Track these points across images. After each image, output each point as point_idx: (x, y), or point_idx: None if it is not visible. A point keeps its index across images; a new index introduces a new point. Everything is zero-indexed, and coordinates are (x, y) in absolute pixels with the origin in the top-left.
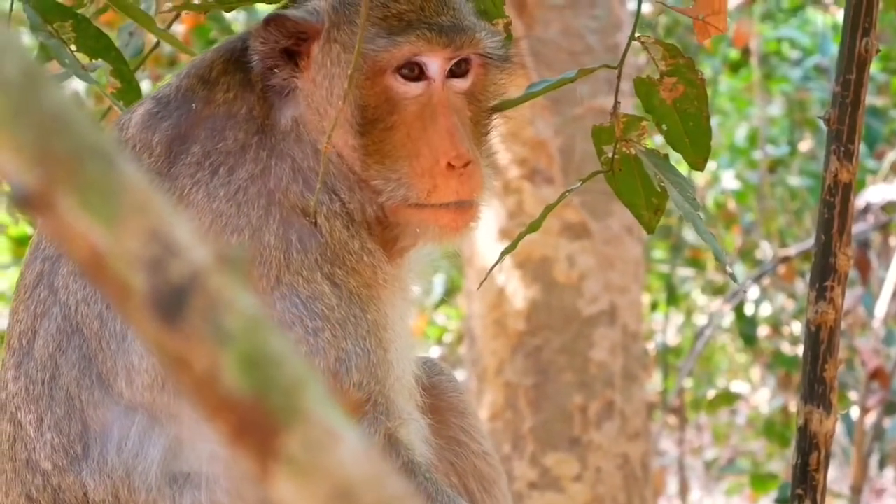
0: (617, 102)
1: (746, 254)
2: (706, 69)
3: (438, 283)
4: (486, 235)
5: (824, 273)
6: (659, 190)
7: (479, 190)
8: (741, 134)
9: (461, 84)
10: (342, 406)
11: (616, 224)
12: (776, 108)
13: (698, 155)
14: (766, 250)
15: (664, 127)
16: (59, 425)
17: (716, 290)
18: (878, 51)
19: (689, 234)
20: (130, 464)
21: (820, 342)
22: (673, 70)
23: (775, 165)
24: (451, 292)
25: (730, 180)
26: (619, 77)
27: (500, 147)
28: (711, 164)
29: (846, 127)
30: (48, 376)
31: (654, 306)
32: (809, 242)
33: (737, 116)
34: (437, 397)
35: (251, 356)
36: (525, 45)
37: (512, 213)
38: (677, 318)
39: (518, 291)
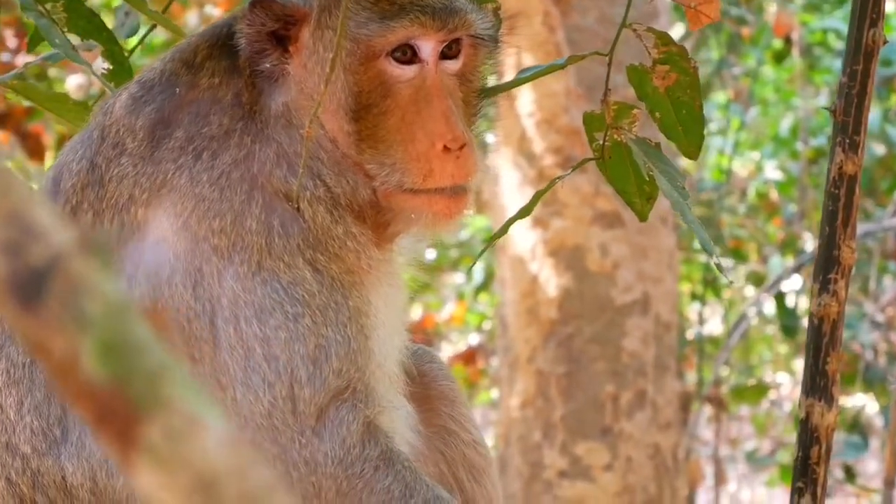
0: (608, 90)
1: (789, 244)
2: (749, 59)
3: (478, 270)
4: (519, 223)
5: (828, 265)
6: (648, 178)
7: (474, 173)
8: (786, 125)
9: (453, 65)
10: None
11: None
12: (823, 99)
13: (691, 143)
14: (808, 241)
15: (657, 115)
16: (38, 409)
17: (757, 281)
18: (885, 42)
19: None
20: None
21: (822, 335)
22: (665, 58)
23: (817, 156)
24: (490, 279)
25: (772, 171)
26: (609, 65)
27: (534, 135)
28: (755, 154)
29: (852, 118)
30: (29, 360)
31: (694, 296)
32: None
33: (782, 107)
34: (427, 386)
35: (112, 342)
36: (561, 34)
37: (546, 200)
38: (720, 308)
39: (551, 280)
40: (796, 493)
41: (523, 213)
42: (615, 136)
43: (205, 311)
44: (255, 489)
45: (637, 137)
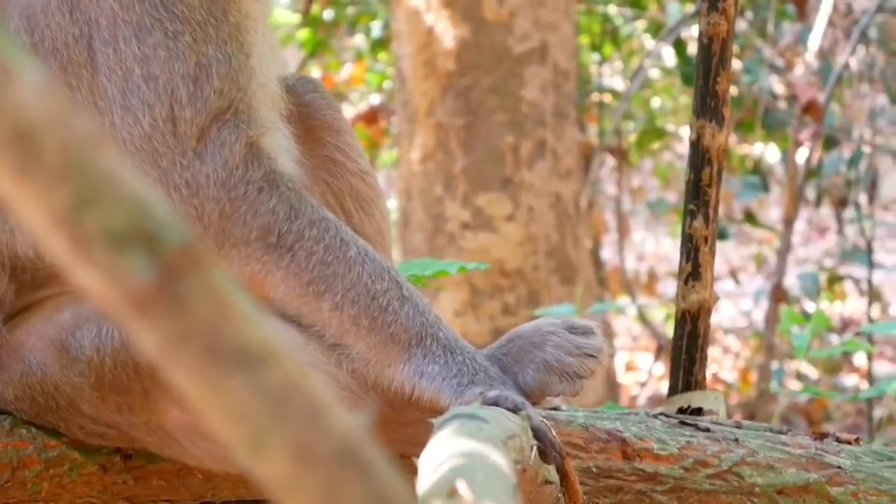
0: None
1: None
2: None
3: (376, 27)
4: None
5: None
6: None
7: None
8: None
9: None
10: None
11: None
12: None
13: None
14: None
15: None
16: None
17: (656, 30)
18: None
19: None
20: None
21: (712, 54)
22: None
23: None
24: (390, 37)
25: None
26: None
27: None
28: None
29: None
30: None
31: (593, 48)
32: None
33: None
34: (311, 115)
35: None
36: None
37: None
38: (621, 65)
39: (447, 31)
40: (688, 215)
41: None
42: None
43: (83, 35)
44: (76, 138)
45: None
